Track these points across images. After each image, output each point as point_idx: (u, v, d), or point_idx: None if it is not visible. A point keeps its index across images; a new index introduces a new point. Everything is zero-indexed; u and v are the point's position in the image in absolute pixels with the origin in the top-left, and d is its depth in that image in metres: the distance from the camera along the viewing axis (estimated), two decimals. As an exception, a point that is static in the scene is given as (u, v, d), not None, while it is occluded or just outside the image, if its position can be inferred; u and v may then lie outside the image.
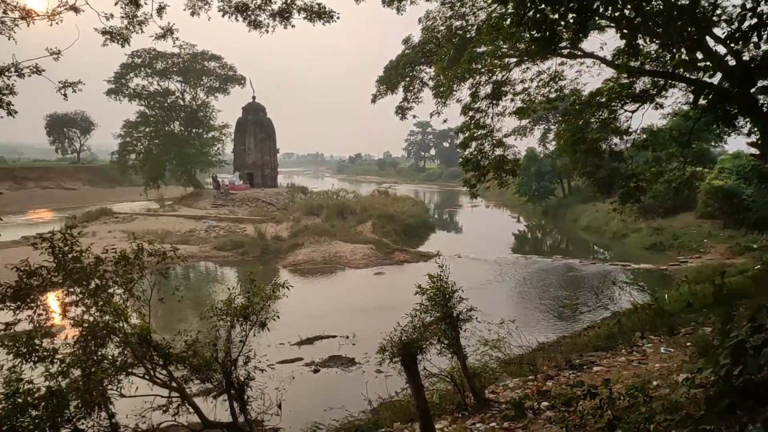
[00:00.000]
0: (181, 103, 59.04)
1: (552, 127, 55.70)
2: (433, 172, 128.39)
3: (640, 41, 9.95)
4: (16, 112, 8.71)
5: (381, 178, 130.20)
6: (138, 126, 57.55)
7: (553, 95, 15.27)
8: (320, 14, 10.29)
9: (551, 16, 6.78)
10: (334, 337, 17.23)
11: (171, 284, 15.67)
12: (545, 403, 8.18)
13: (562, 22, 6.91)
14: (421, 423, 7.30)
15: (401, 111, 17.64)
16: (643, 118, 15.12)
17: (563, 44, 12.65)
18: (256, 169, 58.07)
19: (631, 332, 12.15)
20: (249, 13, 10.47)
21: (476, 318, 8.78)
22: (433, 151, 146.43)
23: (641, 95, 13.62)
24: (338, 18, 10.30)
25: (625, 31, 7.23)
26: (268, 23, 10.56)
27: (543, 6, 6.70)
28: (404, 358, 7.43)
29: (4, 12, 8.69)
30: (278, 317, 8.26)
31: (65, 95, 9.36)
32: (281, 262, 29.61)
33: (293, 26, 10.88)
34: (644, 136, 15.66)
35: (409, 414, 9.36)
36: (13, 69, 8.52)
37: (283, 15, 10.20)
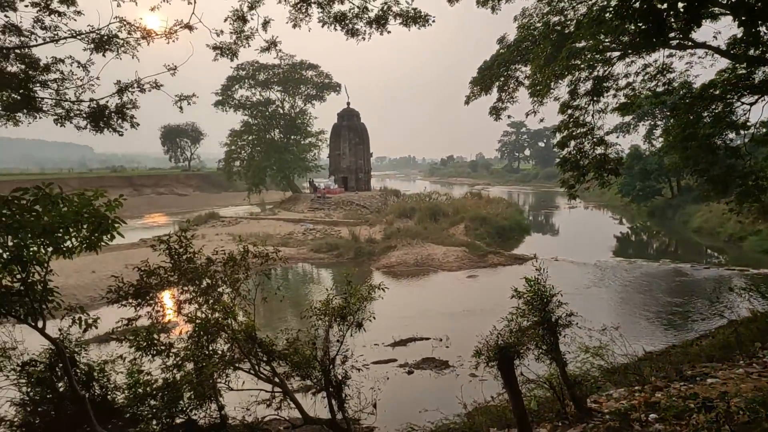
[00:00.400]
0: (281, 111, 62.39)
1: (659, 123, 52.63)
2: (528, 173, 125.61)
3: (762, 28, 9.18)
4: (138, 125, 9.53)
5: (473, 180, 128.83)
6: (242, 134, 61.70)
7: (660, 89, 14.41)
8: (416, 19, 10.36)
9: (659, 6, 6.41)
10: (427, 339, 17.21)
11: (272, 284, 16.40)
12: (653, 416, 7.73)
13: (671, 12, 6.52)
14: (519, 429, 7.14)
15: (495, 111, 17.36)
16: (763, 110, 13.86)
17: (672, 35, 11.93)
18: (350, 173, 59.64)
19: (751, 342, 11.24)
20: (347, 22, 10.77)
21: (576, 324, 8.43)
22: (527, 152, 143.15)
23: (761, 86, 12.55)
24: (433, 21, 10.33)
25: (743, 18, 6.70)
26: (365, 30, 10.82)
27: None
28: (501, 362, 7.30)
29: (129, 33, 9.51)
30: (374, 318, 8.38)
31: (181, 107, 10.11)
32: (375, 264, 30.03)
33: (389, 32, 11.10)
34: (764, 130, 14.44)
35: (505, 420, 9.18)
36: (135, 85, 9.29)
37: (380, 22, 10.39)
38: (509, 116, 17.57)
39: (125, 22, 9.87)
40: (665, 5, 6.39)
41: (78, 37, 9.72)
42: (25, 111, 9.86)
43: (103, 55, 9.93)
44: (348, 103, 60.90)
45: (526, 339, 7.94)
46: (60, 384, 7.29)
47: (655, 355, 13.56)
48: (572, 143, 14.48)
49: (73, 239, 5.91)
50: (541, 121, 16.69)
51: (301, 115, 62.54)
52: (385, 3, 10.56)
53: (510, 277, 25.09)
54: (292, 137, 62.43)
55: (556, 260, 29.19)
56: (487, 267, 28.85)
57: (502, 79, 16.89)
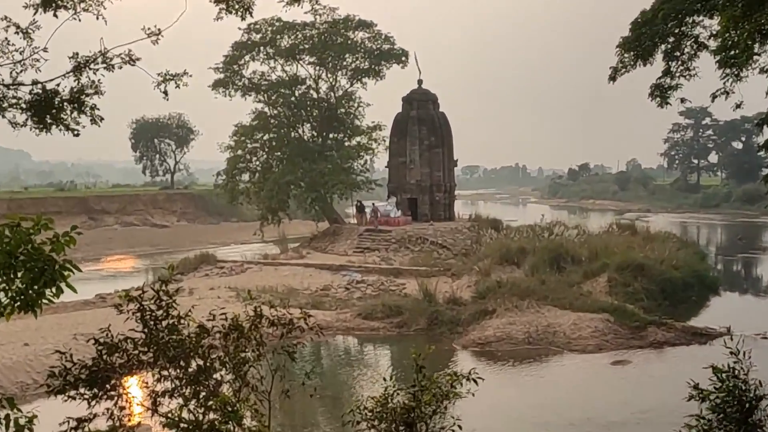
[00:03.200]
0: (315, 95, 63.43)
1: None
2: (715, 192, 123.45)
3: None
4: (102, 120, 9.87)
5: (622, 204, 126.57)
6: (253, 132, 62.45)
7: None
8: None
9: None
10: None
11: (298, 369, 16.45)
12: None
13: None
14: None
15: (659, 92, 17.13)
16: None
17: None
18: (421, 193, 59.36)
19: None
20: None
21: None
22: (713, 157, 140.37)
23: None
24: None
25: None
26: None
27: None
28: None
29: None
30: (460, 426, 8.27)
31: (165, 92, 10.36)
32: (460, 339, 29.76)
33: None
34: None
35: None
36: (99, 59, 9.65)
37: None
38: (682, 100, 17.30)
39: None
40: None
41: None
42: None
43: (54, 15, 10.35)
44: (420, 82, 60.73)
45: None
46: None
47: None
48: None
49: (1, 295, 6.07)
50: (738, 107, 16.29)
51: (345, 100, 63.43)
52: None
53: (685, 364, 24.25)
54: (332, 135, 63.25)
55: (766, 338, 28.46)
56: (645, 347, 28.24)
57: (672, 39, 16.68)
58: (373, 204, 59.29)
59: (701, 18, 16.15)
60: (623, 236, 48.83)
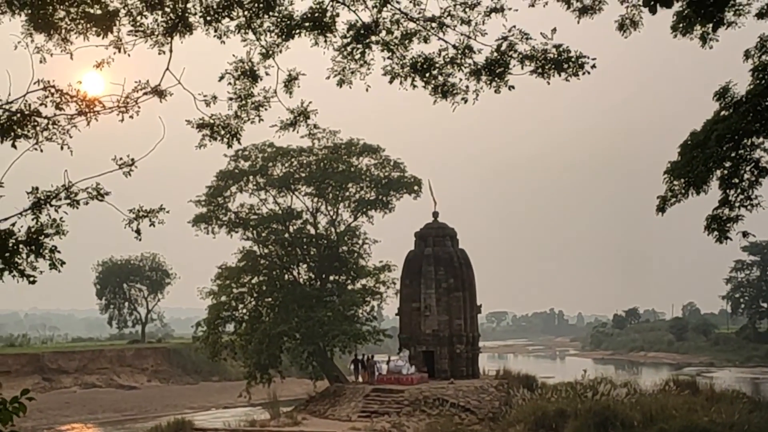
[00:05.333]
0: (312, 231, 63.77)
1: None
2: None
3: None
4: (62, 263, 9.90)
5: (679, 356, 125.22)
6: (240, 274, 62.45)
7: None
8: (559, 63, 10.70)
9: None
10: None
11: None
12: None
13: None
14: None
15: (717, 225, 17.21)
16: None
17: None
18: (439, 344, 58.38)
19: None
20: (435, 72, 11.28)
21: None
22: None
23: None
24: (593, 66, 10.61)
25: None
26: (466, 87, 11.24)
27: None
28: None
29: (57, 105, 10.16)
30: None
31: (137, 231, 10.42)
32: None
33: (512, 88, 11.51)
34: None
35: None
36: (62, 194, 9.75)
37: (494, 70, 10.82)
38: (744, 234, 17.27)
39: (51, 89, 10.44)
40: None
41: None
42: None
43: (13, 145, 10.53)
44: (435, 215, 60.81)
45: None
46: None
47: None
48: None
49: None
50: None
51: (348, 237, 63.70)
52: (504, 38, 11.02)
53: None
54: (332, 278, 63.31)
55: None
56: None
57: (728, 163, 16.79)
58: (365, 356, 58.76)
59: (761, 139, 16.33)
60: (682, 396, 47.82)
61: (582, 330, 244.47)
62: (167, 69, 11.31)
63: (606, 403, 44.56)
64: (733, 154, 16.66)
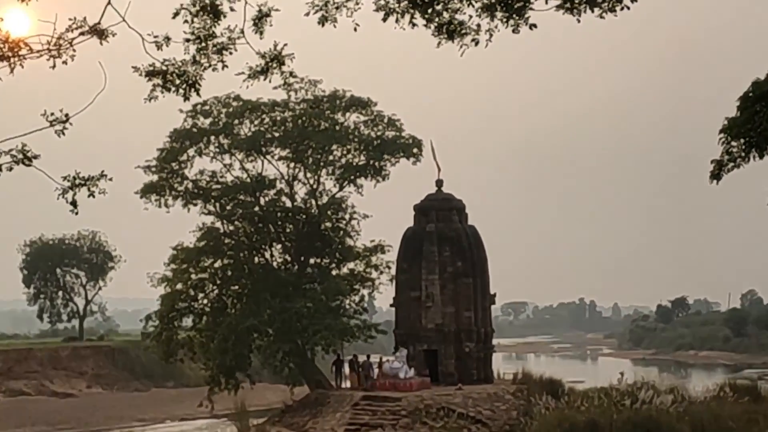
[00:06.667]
0: (288, 204, 61.50)
1: None
2: None
3: None
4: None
5: (737, 356, 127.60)
6: (200, 257, 59.81)
7: None
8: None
9: None
10: None
11: None
12: None
13: None
14: None
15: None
16: None
17: None
18: (444, 342, 55.95)
19: None
20: (439, 8, 11.47)
21: None
22: None
23: None
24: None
25: None
26: (479, 26, 11.57)
27: None
28: None
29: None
30: None
31: (74, 203, 9.65)
32: None
33: (534, 27, 11.86)
34: None
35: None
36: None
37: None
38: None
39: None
40: None
41: None
42: None
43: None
44: (439, 183, 57.40)
45: None
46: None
47: None
48: None
49: None
50: None
51: (332, 211, 61.31)
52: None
53: None
54: (313, 261, 61.08)
55: None
56: None
57: None
58: (355, 356, 56.24)
59: None
60: (741, 404, 47.09)
61: (618, 324, 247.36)
62: (108, 2, 10.84)
63: (648, 413, 43.71)
64: None
